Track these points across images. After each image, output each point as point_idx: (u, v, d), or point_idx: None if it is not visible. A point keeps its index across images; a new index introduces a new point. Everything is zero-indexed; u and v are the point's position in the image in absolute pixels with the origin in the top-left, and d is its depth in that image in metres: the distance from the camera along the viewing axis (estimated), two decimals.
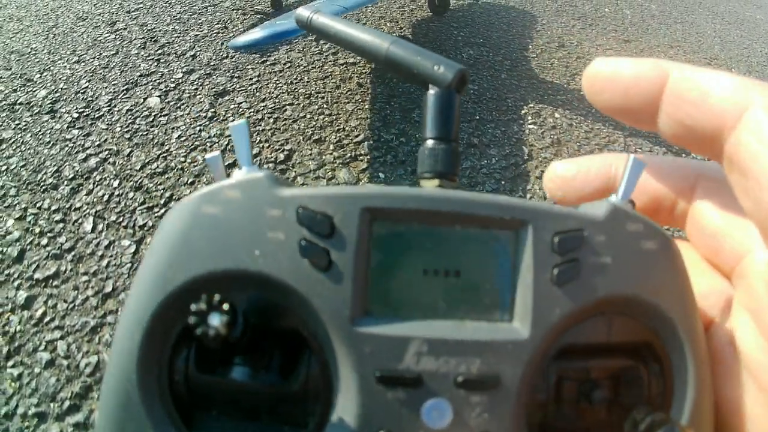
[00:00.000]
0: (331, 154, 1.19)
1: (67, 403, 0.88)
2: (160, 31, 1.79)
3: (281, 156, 1.19)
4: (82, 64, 1.61)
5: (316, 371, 0.17)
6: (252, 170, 0.19)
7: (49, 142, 1.30)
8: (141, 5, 2.00)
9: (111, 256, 1.05)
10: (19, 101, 1.45)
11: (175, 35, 1.76)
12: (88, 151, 1.26)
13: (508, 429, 0.16)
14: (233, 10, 1.99)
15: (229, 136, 1.30)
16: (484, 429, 0.16)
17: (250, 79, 1.49)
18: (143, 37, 1.74)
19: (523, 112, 1.53)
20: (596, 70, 0.20)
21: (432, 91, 0.24)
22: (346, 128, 1.30)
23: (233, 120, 1.31)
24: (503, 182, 1.23)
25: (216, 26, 1.85)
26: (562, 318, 0.17)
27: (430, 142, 0.23)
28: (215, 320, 0.15)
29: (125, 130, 1.31)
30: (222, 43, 1.69)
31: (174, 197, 1.12)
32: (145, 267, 0.18)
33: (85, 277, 1.03)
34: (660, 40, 2.54)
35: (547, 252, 0.17)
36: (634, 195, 0.19)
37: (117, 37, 1.76)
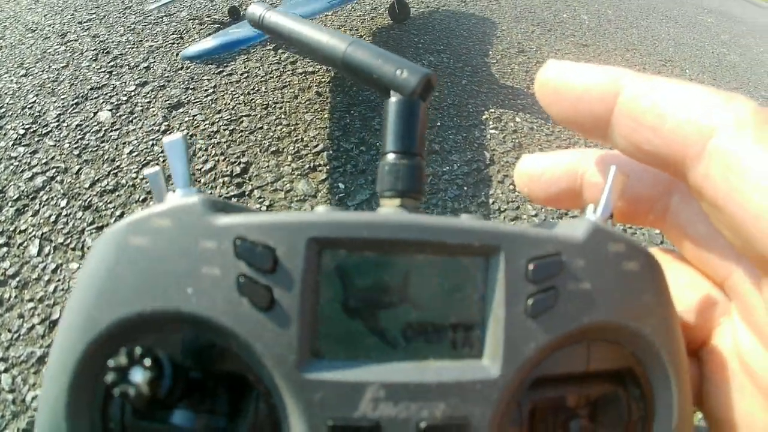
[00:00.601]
0: (289, 165, 1.17)
1: None
2: (113, 42, 1.74)
3: (237, 169, 1.16)
4: (30, 77, 1.55)
5: (264, 415, 0.16)
6: (188, 193, 0.17)
7: None
8: (94, 16, 1.94)
9: (58, 280, 1.01)
10: None
11: (129, 46, 1.71)
12: (34, 170, 1.21)
13: None
14: (190, 20, 1.95)
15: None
16: None
17: (206, 90, 1.46)
18: (95, 49, 1.69)
19: (484, 117, 1.54)
20: (545, 78, 0.18)
21: (394, 99, 0.22)
22: (305, 138, 1.28)
23: (187, 132, 1.28)
24: (465, 188, 1.23)
25: (171, 36, 1.80)
26: (537, 351, 0.15)
27: (390, 156, 0.20)
28: (137, 377, 0.13)
29: (74, 146, 1.26)
30: (177, 54, 1.65)
31: (125, 215, 1.08)
32: (70, 307, 0.16)
33: (30, 304, 0.97)
34: (617, 43, 2.61)
35: (521, 281, 0.15)
36: None
37: (68, 49, 1.70)
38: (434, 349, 0.16)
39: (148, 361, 0.13)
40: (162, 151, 1.23)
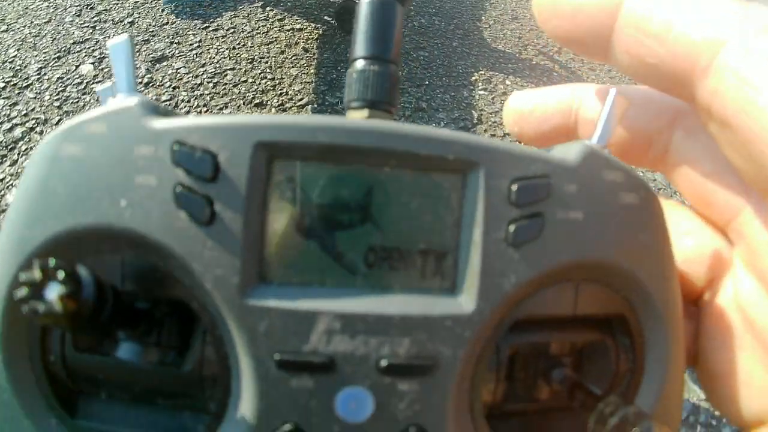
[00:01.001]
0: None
1: None
2: None
3: None
4: (11, 32, 1.52)
5: (211, 349, 0.14)
6: (129, 97, 0.15)
7: None
8: None
9: None
10: None
11: (113, 2, 1.67)
12: (14, 121, 1.19)
13: (446, 421, 0.13)
14: None
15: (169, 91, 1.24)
16: (414, 422, 0.13)
17: (191, 44, 1.44)
18: (78, 5, 1.65)
19: (473, 78, 1.52)
20: None
21: None
22: (290, 92, 1.27)
23: (170, 84, 1.26)
24: None
25: None
26: (518, 287, 0.14)
27: (360, 63, 0.18)
28: (51, 293, 0.12)
29: (54, 98, 1.24)
30: (162, 10, 1.62)
31: None
32: (4, 227, 0.14)
33: None
34: None
35: (503, 203, 0.14)
36: None
37: (50, 5, 1.66)
38: (400, 277, 0.14)
39: (61, 274, 0.12)
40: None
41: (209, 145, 0.13)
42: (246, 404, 0.13)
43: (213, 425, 0.14)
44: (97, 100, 1.15)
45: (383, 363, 0.13)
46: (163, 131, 0.14)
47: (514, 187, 0.14)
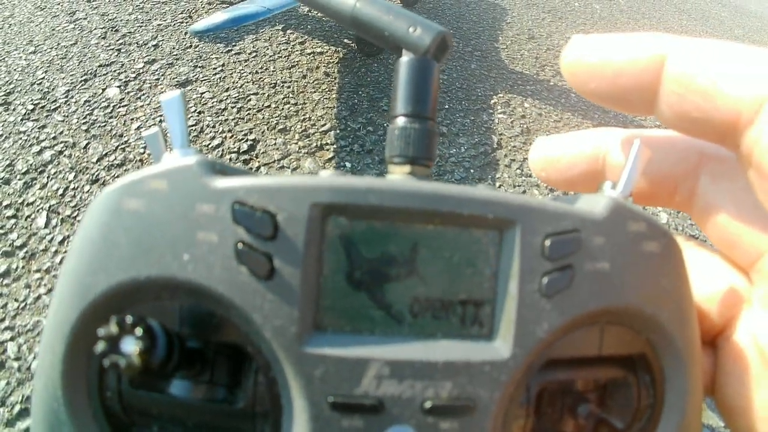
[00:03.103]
0: (296, 143, 1.17)
1: (17, 408, 0.83)
2: (121, 20, 1.73)
3: (245, 146, 1.16)
4: (39, 54, 1.55)
5: (263, 388, 0.15)
6: (186, 153, 0.16)
7: (1, 135, 1.24)
8: None
9: (65, 252, 1.01)
10: None
11: (137, 25, 1.70)
12: (42, 144, 1.21)
13: None
14: None
15: (195, 113, 1.27)
16: None
17: (214, 68, 1.46)
18: (104, 27, 1.68)
19: (492, 101, 1.53)
20: (575, 57, 0.17)
21: (406, 58, 0.20)
22: (312, 117, 1.28)
23: (195, 109, 1.27)
24: (472, 170, 1.22)
25: (180, 15, 1.79)
26: (550, 334, 0.15)
27: (401, 120, 0.19)
28: (129, 347, 0.13)
29: (82, 121, 1.26)
30: (185, 33, 1.65)
31: None
32: (64, 273, 0.15)
33: (37, 275, 0.98)
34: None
35: (537, 257, 0.15)
36: None
37: (76, 27, 1.70)
38: (442, 326, 0.15)
39: (139, 331, 0.13)
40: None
41: (268, 206, 0.14)
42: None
43: None
44: (144, 147, 1.16)
45: (427, 405, 0.14)
46: (224, 191, 0.15)
47: (548, 243, 0.15)
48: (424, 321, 0.15)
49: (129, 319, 0.13)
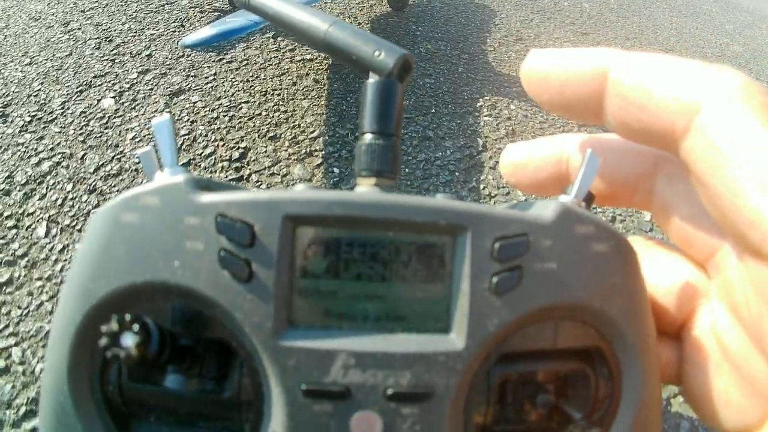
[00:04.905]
0: (286, 150, 1.20)
1: (23, 409, 0.87)
2: (115, 30, 1.76)
3: (236, 154, 1.20)
4: (35, 65, 1.58)
5: (247, 379, 0.17)
6: (175, 172, 0.18)
7: (0, 147, 1.28)
8: (96, 4, 1.96)
9: (65, 260, 1.05)
10: None
11: (131, 34, 1.73)
12: (41, 155, 1.24)
13: None
14: (191, 7, 1.96)
15: (185, 127, 1.30)
16: None
17: (206, 77, 1.49)
18: (98, 37, 1.71)
19: (479, 104, 1.56)
20: (529, 68, 0.19)
21: (371, 80, 0.23)
22: (302, 124, 1.31)
23: (187, 119, 1.31)
24: (457, 173, 1.26)
25: (173, 24, 1.82)
26: (501, 328, 0.16)
27: (367, 137, 0.22)
28: (128, 341, 0.15)
29: (79, 132, 1.29)
30: (178, 42, 1.68)
31: None
32: (70, 280, 0.17)
33: (39, 283, 1.02)
34: (617, 32, 2.59)
35: (487, 259, 0.16)
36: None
37: (71, 37, 1.73)
38: (403, 321, 0.17)
39: (136, 327, 0.15)
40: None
41: (246, 218, 0.16)
42: (276, 425, 0.16)
43: None
44: (137, 162, 1.19)
45: (389, 391, 0.16)
46: (208, 205, 0.17)
47: (497, 246, 0.16)
48: (387, 317, 0.17)
49: (128, 317, 0.15)
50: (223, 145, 1.22)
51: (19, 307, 1.00)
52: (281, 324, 0.16)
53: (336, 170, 1.14)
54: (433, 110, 1.46)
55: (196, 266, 0.16)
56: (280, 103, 1.38)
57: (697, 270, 0.19)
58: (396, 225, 0.17)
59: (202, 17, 1.89)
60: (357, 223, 0.17)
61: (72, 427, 0.17)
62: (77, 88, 1.46)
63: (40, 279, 1.02)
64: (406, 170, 1.21)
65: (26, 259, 1.05)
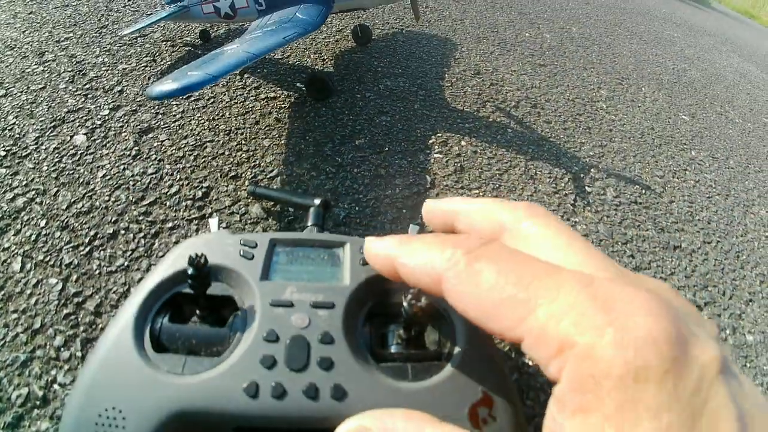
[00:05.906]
0: (245, 190, 1.31)
1: None
2: (89, 63, 1.84)
3: (199, 193, 1.30)
4: (10, 98, 1.65)
5: (238, 318, 0.29)
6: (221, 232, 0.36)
7: None
8: (71, 34, 2.03)
9: (39, 294, 1.13)
10: None
11: (104, 68, 1.82)
12: (15, 191, 1.32)
13: (339, 329, 0.28)
14: (163, 41, 2.05)
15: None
16: (325, 328, 0.27)
17: (174, 115, 1.58)
18: (72, 70, 1.79)
19: (431, 141, 1.69)
20: (370, 256, 0.28)
21: (312, 208, 0.61)
22: (262, 164, 1.42)
23: (155, 157, 1.41)
24: (404, 210, 1.38)
25: (144, 59, 1.91)
26: (363, 278, 0.31)
27: (311, 221, 0.59)
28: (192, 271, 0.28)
29: (52, 168, 1.38)
30: (149, 78, 1.77)
31: (98, 235, 1.21)
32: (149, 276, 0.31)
33: (14, 315, 1.10)
34: (575, 62, 2.70)
35: (357, 255, 0.32)
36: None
37: (45, 69, 1.80)
38: (321, 276, 0.31)
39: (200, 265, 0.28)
40: (132, 175, 1.36)
41: (256, 241, 0.33)
42: (256, 321, 0.28)
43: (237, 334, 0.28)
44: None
45: (312, 302, 0.29)
46: (252, 239, 0.34)
47: (362, 253, 0.31)
48: (314, 274, 0.31)
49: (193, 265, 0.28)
50: (187, 185, 1.32)
51: None
52: (264, 276, 0.31)
53: (291, 209, 1.26)
54: (387, 149, 1.58)
55: (230, 255, 0.33)
56: (243, 142, 1.49)
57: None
58: (319, 243, 0.35)
59: (173, 51, 1.99)
60: (302, 242, 0.36)
61: (128, 350, 0.27)
62: (51, 123, 1.54)
63: (15, 311, 1.11)
64: (356, 208, 1.33)
65: (2, 292, 1.14)
